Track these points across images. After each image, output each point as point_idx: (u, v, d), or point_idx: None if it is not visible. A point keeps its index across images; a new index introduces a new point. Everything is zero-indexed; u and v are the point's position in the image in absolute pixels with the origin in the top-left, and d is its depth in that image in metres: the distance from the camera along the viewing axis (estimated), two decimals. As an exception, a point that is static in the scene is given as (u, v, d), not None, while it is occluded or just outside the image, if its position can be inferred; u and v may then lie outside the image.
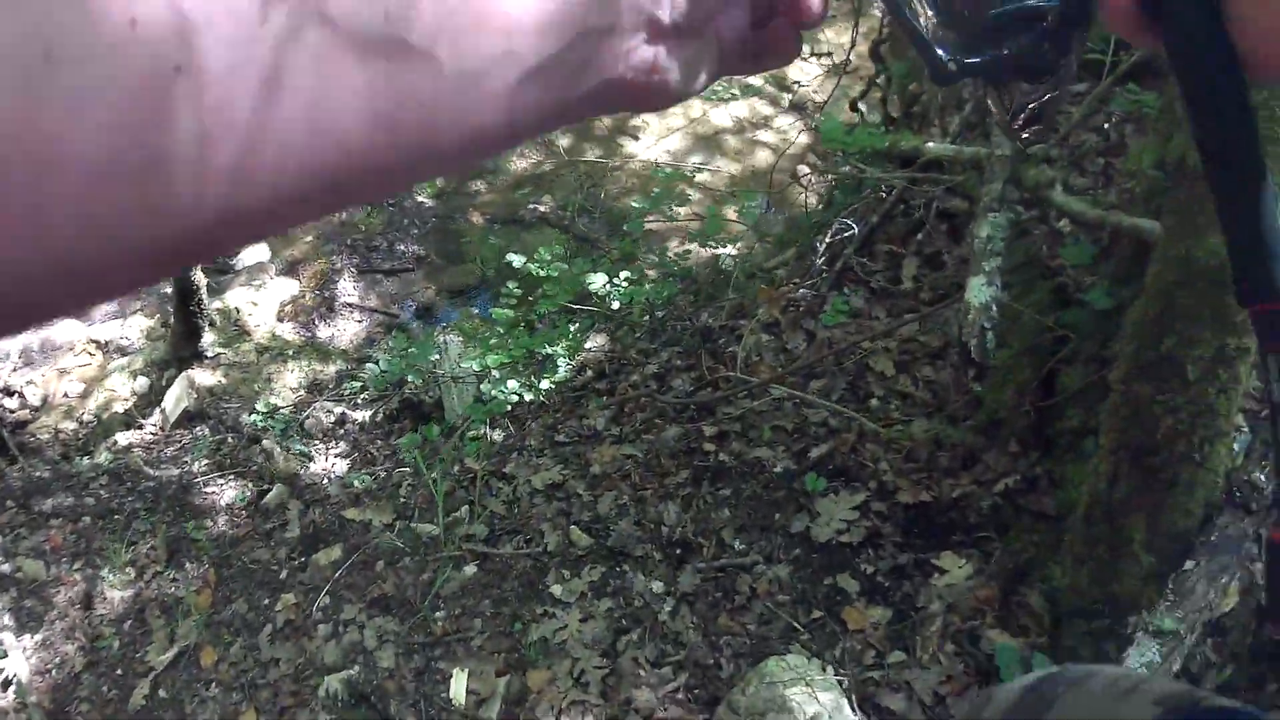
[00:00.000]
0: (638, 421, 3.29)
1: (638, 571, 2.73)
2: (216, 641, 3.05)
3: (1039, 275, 3.03)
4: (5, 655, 3.18)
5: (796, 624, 2.56)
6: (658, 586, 2.67)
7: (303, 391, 4.64)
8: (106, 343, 5.19)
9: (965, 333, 2.60)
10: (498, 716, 2.50)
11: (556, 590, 2.73)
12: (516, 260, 3.76)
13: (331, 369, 4.77)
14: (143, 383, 4.88)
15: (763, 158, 5.67)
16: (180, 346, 4.75)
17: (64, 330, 5.23)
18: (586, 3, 0.33)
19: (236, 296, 5.13)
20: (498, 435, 3.54)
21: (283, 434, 4.20)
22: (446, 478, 3.29)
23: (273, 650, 2.94)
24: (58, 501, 4.00)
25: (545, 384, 3.55)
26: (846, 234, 3.65)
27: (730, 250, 4.42)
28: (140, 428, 4.56)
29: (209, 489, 3.89)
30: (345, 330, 5.07)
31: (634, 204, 4.22)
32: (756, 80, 6.26)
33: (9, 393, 4.95)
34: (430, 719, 2.57)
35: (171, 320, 4.84)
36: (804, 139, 5.44)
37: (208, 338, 4.78)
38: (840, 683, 2.30)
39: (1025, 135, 3.30)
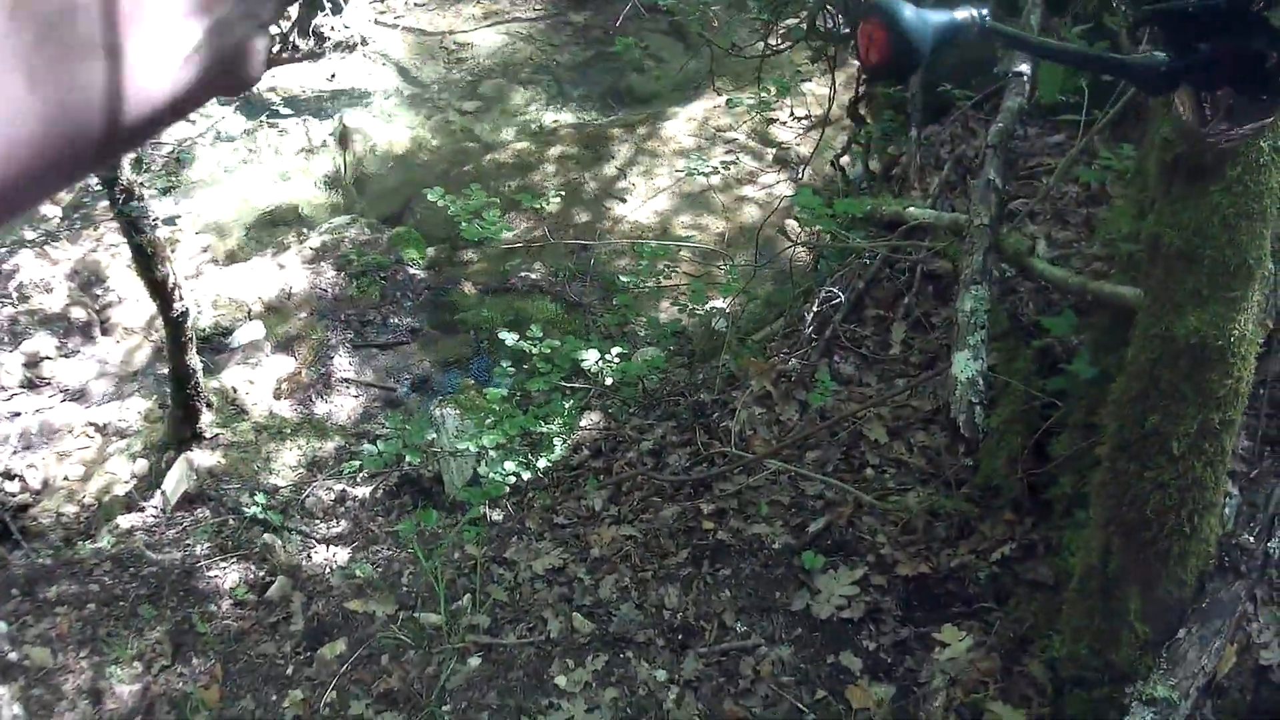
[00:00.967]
0: (635, 500, 3.32)
1: (641, 659, 2.74)
2: (226, 740, 3.05)
3: (1024, 341, 3.07)
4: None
5: (801, 705, 2.57)
6: (661, 675, 2.68)
7: (302, 469, 4.65)
8: (105, 425, 5.21)
9: (954, 408, 2.63)
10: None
11: (561, 681, 2.74)
12: (509, 338, 3.80)
13: (330, 445, 4.79)
14: (142, 465, 4.90)
15: (749, 213, 5.75)
16: (179, 428, 4.77)
17: (62, 413, 5.27)
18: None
19: (233, 375, 5.16)
20: (497, 515, 3.56)
21: (283, 514, 4.22)
22: (447, 565, 3.30)
23: (283, 749, 2.95)
24: (62, 589, 4.01)
25: (542, 462, 3.58)
26: (834, 301, 3.70)
27: (722, 304, 4.45)
28: (141, 510, 4.57)
29: (212, 573, 3.90)
30: (343, 406, 5.10)
31: (622, 278, 4.27)
32: (741, 135, 6.35)
33: (9, 476, 4.96)
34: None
35: (169, 402, 4.87)
36: (789, 192, 5.52)
37: (206, 418, 4.80)
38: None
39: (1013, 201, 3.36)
